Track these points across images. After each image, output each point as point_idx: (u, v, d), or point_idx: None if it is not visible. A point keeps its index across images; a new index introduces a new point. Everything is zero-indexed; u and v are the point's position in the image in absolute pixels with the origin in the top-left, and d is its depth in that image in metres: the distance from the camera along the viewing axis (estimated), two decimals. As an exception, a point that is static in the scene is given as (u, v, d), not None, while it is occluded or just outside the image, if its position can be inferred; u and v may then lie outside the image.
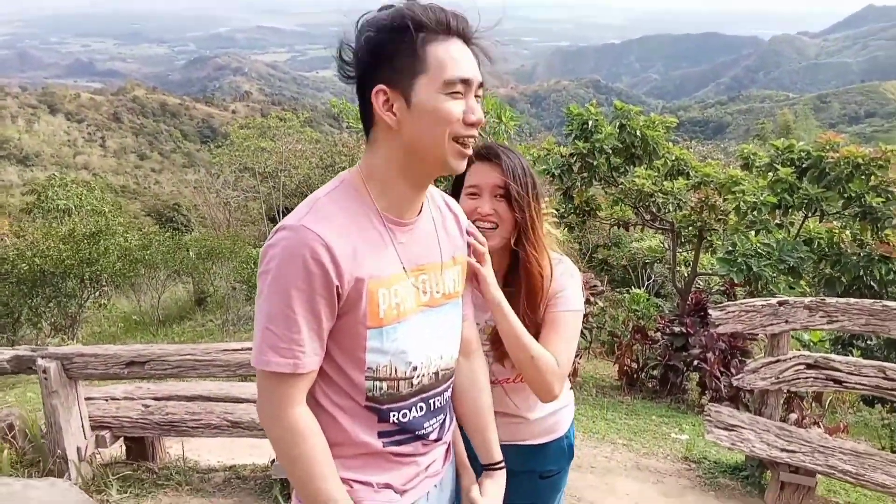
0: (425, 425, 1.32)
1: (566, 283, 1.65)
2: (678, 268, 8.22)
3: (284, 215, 1.48)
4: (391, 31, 1.15)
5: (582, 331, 5.97)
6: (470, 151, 1.24)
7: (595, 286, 6.04)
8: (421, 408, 1.30)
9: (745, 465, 3.95)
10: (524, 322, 1.56)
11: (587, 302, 5.94)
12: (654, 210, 7.21)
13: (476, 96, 1.22)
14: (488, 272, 1.51)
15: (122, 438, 3.52)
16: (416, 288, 1.28)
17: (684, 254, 8.87)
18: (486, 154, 1.65)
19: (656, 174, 7.15)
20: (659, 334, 6.65)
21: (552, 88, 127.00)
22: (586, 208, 7.67)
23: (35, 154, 65.43)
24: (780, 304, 3.53)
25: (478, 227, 1.56)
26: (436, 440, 1.36)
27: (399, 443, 1.29)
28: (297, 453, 1.17)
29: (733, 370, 5.61)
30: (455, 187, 1.70)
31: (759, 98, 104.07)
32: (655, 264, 10.69)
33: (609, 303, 8.82)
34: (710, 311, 3.69)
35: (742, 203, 6.18)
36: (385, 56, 1.16)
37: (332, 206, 1.20)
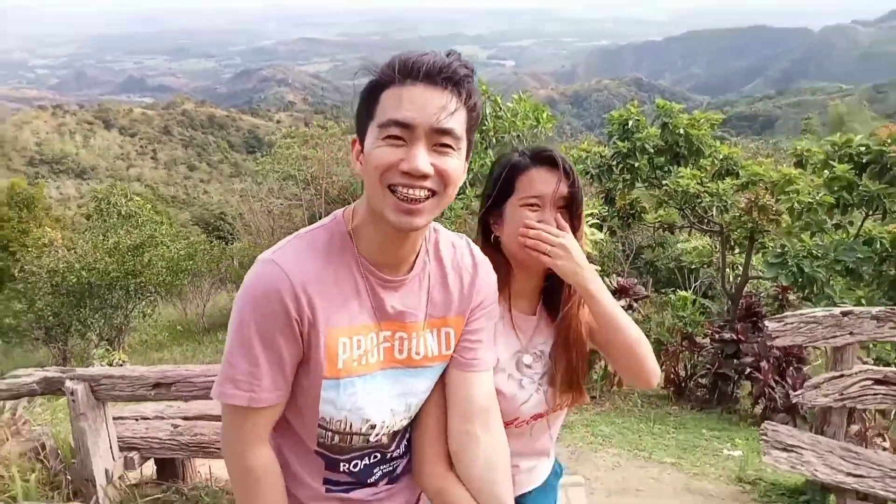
0: (375, 471, 1.27)
1: None
2: (727, 271, 7.83)
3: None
4: (369, 83, 1.10)
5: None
6: (413, 207, 1.07)
7: (638, 292, 5.78)
8: (375, 456, 1.26)
9: (806, 489, 3.65)
10: (574, 338, 1.49)
11: (629, 308, 5.69)
12: (700, 212, 6.89)
13: (442, 144, 1.06)
14: (572, 244, 1.38)
15: (152, 458, 3.47)
16: (389, 344, 1.20)
17: (733, 257, 8.47)
18: (545, 158, 1.44)
19: (703, 174, 6.82)
20: (707, 340, 6.34)
21: (593, 88, 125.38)
22: (630, 211, 7.40)
23: (91, 168, 68.17)
24: (844, 314, 3.24)
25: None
26: (387, 483, 1.31)
27: (347, 491, 1.26)
28: (252, 500, 1.15)
29: (789, 379, 5.29)
30: (501, 194, 1.46)
31: (810, 91, 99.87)
32: (703, 268, 10.24)
33: (654, 307, 8.49)
34: (766, 323, 3.42)
35: (796, 203, 5.83)
36: (361, 107, 1.13)
37: (309, 246, 1.15)
